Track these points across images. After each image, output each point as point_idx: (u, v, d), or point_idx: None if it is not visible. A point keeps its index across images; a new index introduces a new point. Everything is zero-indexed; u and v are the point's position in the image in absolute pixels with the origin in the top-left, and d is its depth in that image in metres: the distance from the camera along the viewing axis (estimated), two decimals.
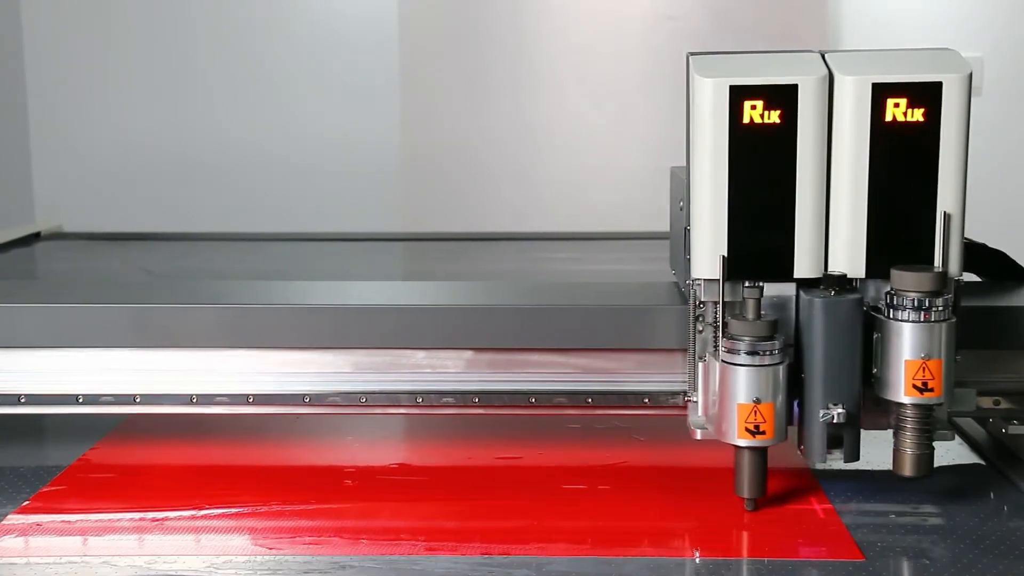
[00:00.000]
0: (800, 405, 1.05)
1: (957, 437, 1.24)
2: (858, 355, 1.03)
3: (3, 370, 1.19)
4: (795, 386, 1.05)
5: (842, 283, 1.04)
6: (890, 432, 1.06)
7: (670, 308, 1.14)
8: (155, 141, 3.45)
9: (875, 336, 1.03)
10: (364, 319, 1.16)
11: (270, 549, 1.01)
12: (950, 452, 1.22)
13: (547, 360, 1.17)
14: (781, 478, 1.12)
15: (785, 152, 1.03)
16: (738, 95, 1.02)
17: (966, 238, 1.06)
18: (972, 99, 1.04)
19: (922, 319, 1.01)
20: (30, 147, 3.47)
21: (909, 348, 1.01)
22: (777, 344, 1.02)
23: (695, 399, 1.09)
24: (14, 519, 1.07)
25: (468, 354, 1.17)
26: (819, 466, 1.13)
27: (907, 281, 1.01)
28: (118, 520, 1.07)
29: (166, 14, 3.41)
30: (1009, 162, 3.31)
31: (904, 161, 1.03)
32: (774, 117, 1.02)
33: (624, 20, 3.18)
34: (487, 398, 1.17)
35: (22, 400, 1.19)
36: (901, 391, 1.02)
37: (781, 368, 1.02)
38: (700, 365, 1.08)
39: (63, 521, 1.07)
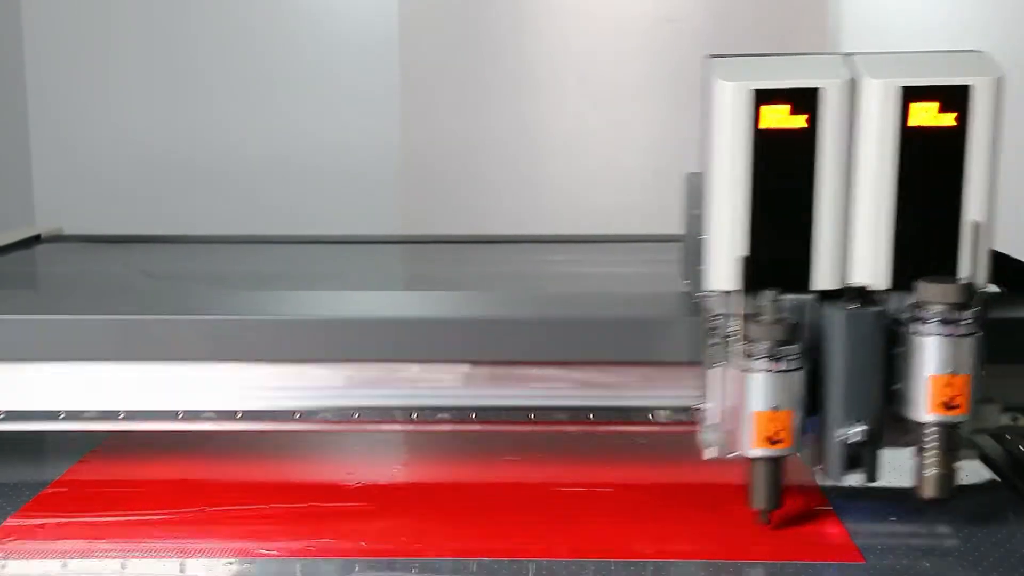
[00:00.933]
0: (819, 420, 1.01)
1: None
2: (880, 371, 0.99)
3: None
4: (810, 398, 1.00)
5: (863, 295, 1.00)
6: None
7: (677, 320, 1.09)
8: (154, 143, 3.42)
9: (897, 351, 0.99)
10: (357, 331, 1.11)
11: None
12: (964, 469, 1.17)
13: (548, 374, 1.12)
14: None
15: (808, 158, 0.99)
16: (760, 99, 0.97)
17: None
18: None
19: (949, 333, 0.96)
20: (30, 149, 3.44)
21: (934, 364, 0.97)
22: (796, 349, 0.97)
23: (707, 412, 1.04)
24: None
25: (465, 368, 1.12)
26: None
27: (934, 293, 0.97)
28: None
29: (166, 17, 3.38)
30: (1010, 165, 3.27)
31: (931, 168, 0.99)
32: (798, 121, 0.98)
33: (624, 22, 3.15)
34: (484, 414, 1.13)
35: (1, 416, 1.14)
36: (925, 408, 0.98)
37: (799, 375, 0.98)
38: (713, 375, 1.03)
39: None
